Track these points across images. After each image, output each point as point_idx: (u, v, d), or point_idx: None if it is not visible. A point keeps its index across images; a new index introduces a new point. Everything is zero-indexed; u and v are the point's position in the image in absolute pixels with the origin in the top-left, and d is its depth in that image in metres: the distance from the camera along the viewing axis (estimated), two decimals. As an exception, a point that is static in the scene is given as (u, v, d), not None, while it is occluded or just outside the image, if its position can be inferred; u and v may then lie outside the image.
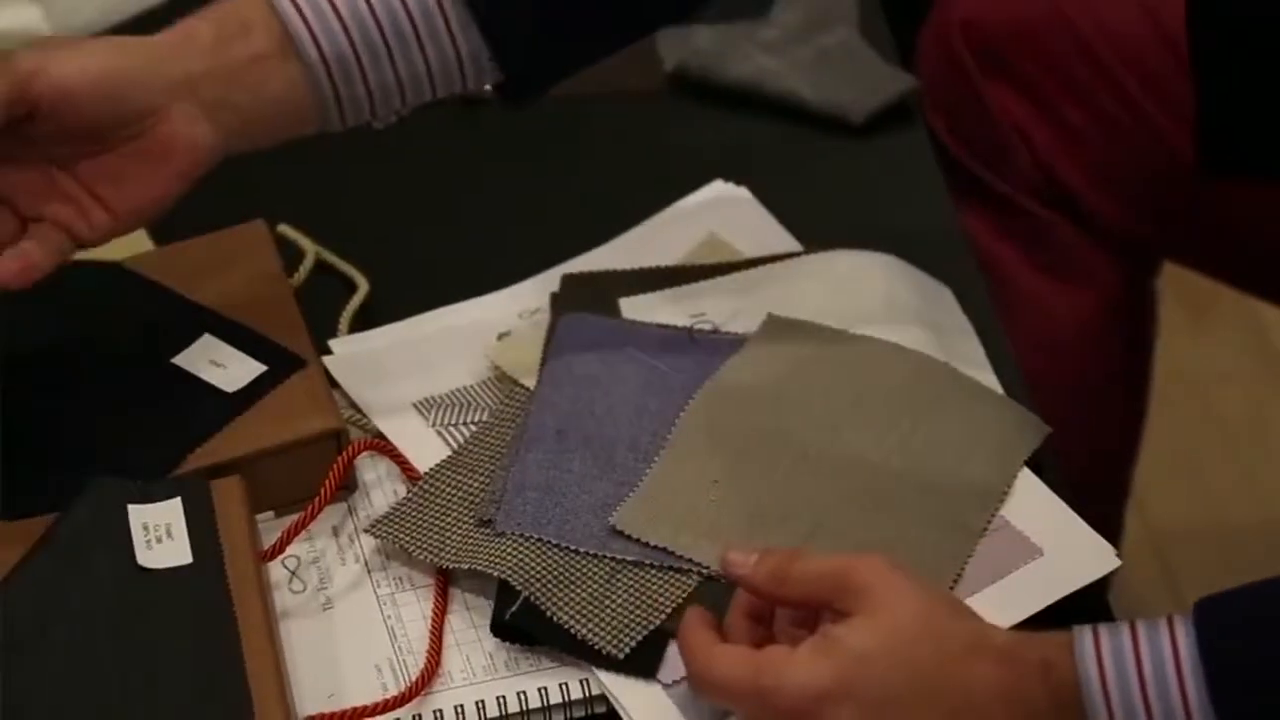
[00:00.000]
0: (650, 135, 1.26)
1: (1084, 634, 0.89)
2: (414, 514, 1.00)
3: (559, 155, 1.24)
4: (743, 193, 1.19)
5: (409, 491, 1.02)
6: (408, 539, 0.99)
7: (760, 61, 1.28)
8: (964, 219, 1.26)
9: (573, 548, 0.98)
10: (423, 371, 1.08)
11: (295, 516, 0.99)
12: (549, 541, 0.98)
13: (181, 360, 1.05)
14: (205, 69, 0.98)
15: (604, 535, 0.98)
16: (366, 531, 1.00)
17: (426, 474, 1.02)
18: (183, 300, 1.08)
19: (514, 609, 0.95)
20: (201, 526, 0.95)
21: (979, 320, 1.12)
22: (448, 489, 1.01)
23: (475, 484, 1.01)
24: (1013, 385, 1.07)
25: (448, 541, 0.99)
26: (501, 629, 0.96)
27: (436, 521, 1.00)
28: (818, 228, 1.15)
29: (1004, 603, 0.95)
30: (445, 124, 1.23)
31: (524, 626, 0.95)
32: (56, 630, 0.91)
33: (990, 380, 1.07)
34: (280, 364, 1.04)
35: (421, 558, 0.98)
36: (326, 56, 0.99)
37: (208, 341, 1.05)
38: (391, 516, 1.00)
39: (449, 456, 1.03)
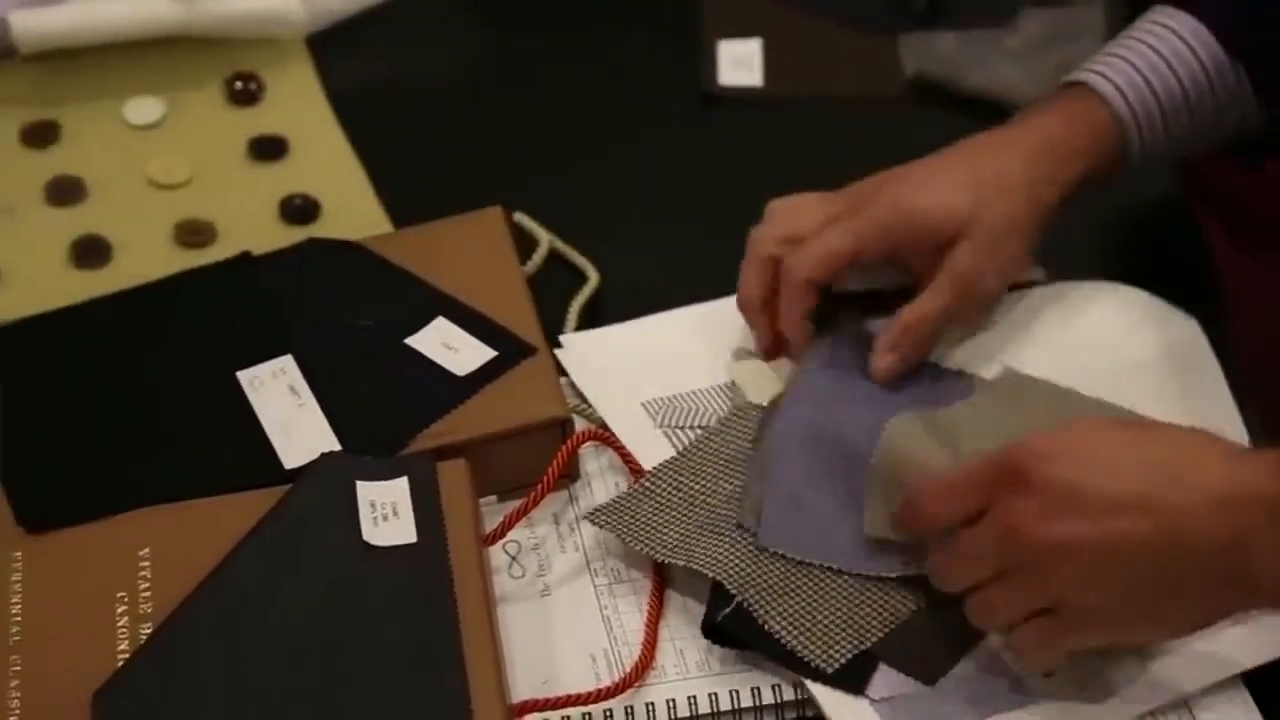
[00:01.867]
0: (889, 141, 1.24)
1: None
2: (633, 508, 1.01)
3: (796, 157, 1.23)
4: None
5: (631, 486, 1.02)
6: (625, 530, 1.00)
7: (1002, 70, 1.26)
8: (1205, 233, 1.23)
9: (832, 566, 0.97)
10: (653, 371, 1.08)
11: (518, 502, 1.00)
12: (769, 551, 0.98)
13: (414, 341, 1.06)
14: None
15: (862, 553, 0.98)
16: (585, 518, 1.01)
17: (650, 471, 1.03)
18: (418, 282, 1.09)
19: (727, 612, 0.95)
20: (427, 507, 0.97)
21: (1225, 348, 1.09)
22: (669, 488, 1.01)
23: (696, 487, 1.01)
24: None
25: (665, 538, 0.99)
26: (712, 631, 0.96)
27: (655, 517, 1.00)
28: (1055, 240, 1.14)
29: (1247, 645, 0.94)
30: (687, 120, 1.24)
31: (735, 631, 0.95)
32: (282, 599, 0.93)
33: (1235, 420, 1.05)
34: (510, 350, 1.05)
35: (637, 549, 0.99)
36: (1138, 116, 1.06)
37: (441, 324, 1.07)
38: (611, 507, 1.01)
39: (673, 457, 1.03)
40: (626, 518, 1.00)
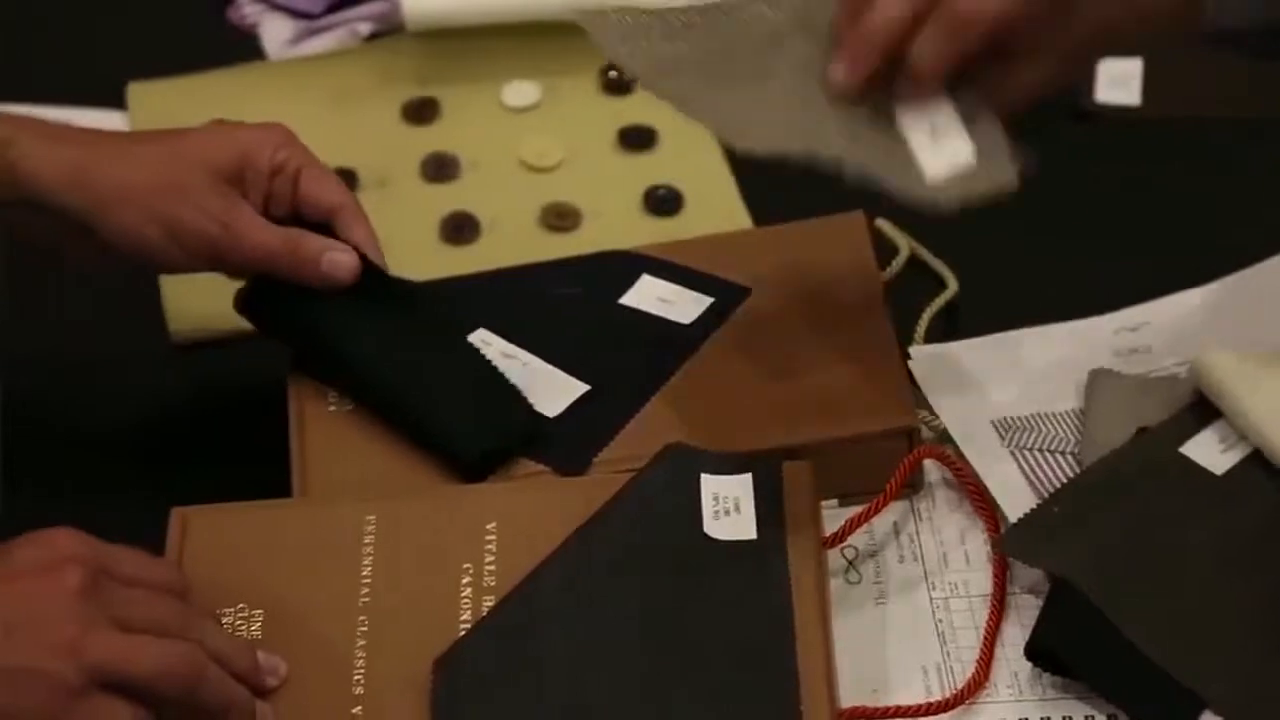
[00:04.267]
0: (1268, 166, 1.21)
1: None
2: (1043, 522, 0.98)
3: (1171, 178, 1.21)
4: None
5: (1044, 502, 1.00)
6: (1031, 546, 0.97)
7: (1391, 103, 1.22)
8: None
9: None
10: (1007, 390, 1.07)
11: (859, 507, 0.99)
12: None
13: (628, 300, 1.08)
14: None
15: None
16: (996, 546, 0.99)
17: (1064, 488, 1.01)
18: (613, 252, 1.12)
19: (1053, 636, 0.94)
20: (769, 505, 0.97)
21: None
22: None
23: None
24: None
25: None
26: (1036, 654, 0.95)
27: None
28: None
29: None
30: (1059, 135, 1.22)
31: (1059, 654, 0.94)
32: (621, 583, 0.94)
33: None
34: (726, 294, 1.07)
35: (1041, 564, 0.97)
36: None
37: (648, 281, 1.09)
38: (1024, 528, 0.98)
39: (1079, 476, 1.01)
40: (1033, 532, 0.98)
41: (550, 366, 1.05)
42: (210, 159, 1.03)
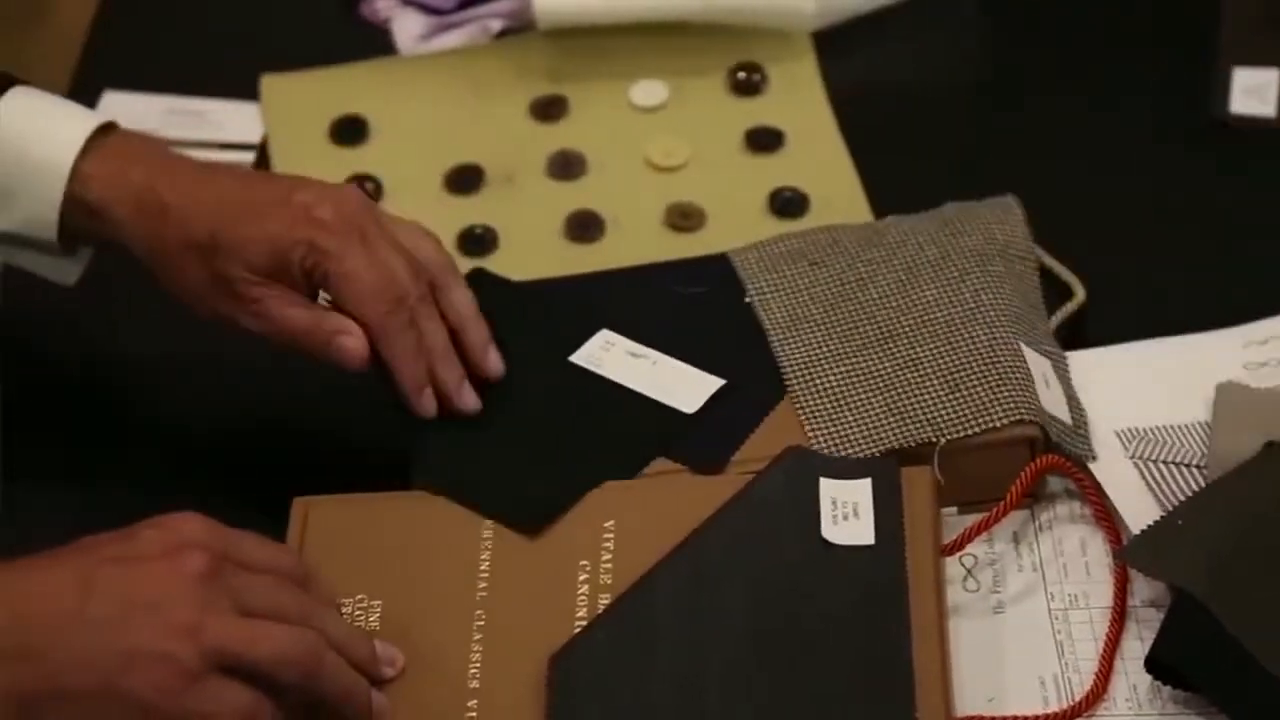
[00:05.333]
0: None
1: None
2: (1167, 534, 0.97)
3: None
4: None
5: (1168, 514, 0.99)
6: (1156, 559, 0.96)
7: None
8: None
9: None
10: (1132, 400, 1.06)
11: (978, 516, 0.99)
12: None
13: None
14: None
15: None
16: (1118, 557, 0.98)
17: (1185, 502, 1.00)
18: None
19: (1174, 649, 0.93)
20: (887, 510, 0.96)
21: None
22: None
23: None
24: None
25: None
26: (1156, 667, 0.94)
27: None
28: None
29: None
30: (1191, 145, 1.21)
31: (1179, 668, 0.93)
32: (738, 584, 0.94)
33: None
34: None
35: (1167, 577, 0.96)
36: None
37: None
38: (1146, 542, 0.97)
39: (1205, 490, 1.00)
40: (1156, 544, 0.97)
41: (681, 364, 1.05)
42: (249, 262, 1.02)
